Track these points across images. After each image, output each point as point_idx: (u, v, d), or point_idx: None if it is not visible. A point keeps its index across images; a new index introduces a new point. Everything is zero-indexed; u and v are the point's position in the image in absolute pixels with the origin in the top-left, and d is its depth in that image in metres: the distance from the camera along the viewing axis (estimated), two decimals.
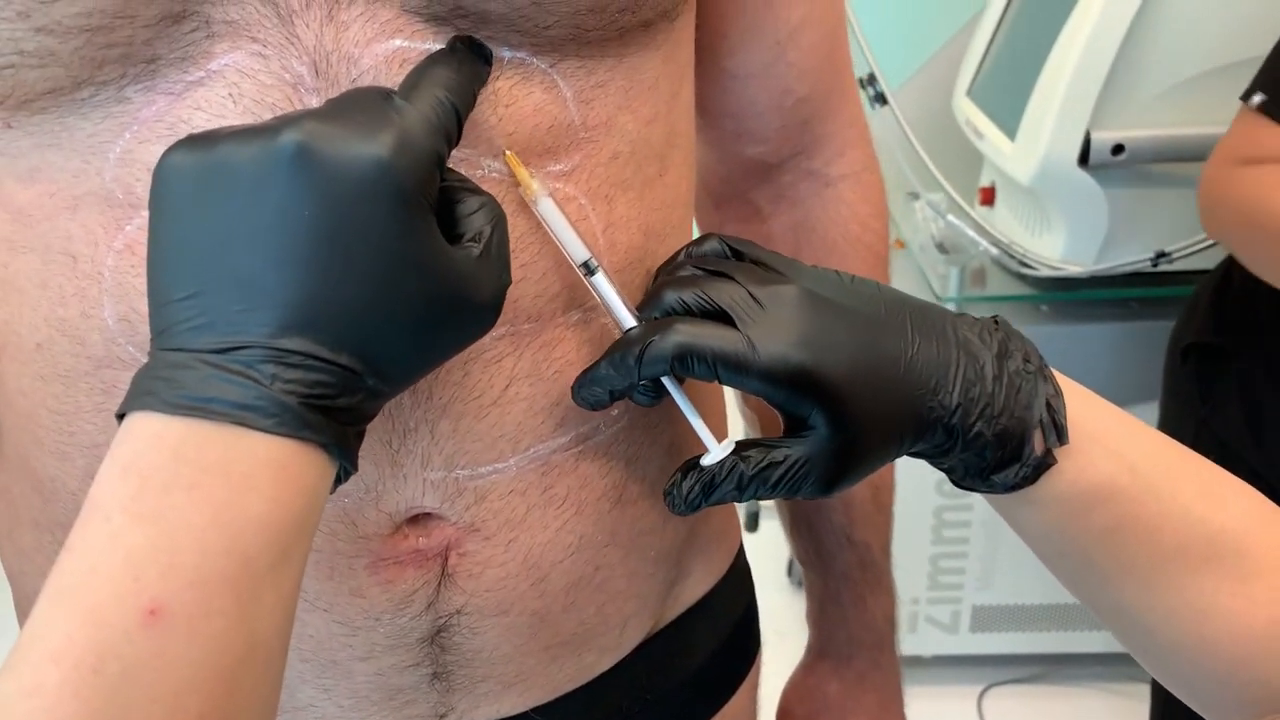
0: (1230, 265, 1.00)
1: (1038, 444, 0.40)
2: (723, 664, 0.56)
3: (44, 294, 0.39)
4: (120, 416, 0.32)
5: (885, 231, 0.58)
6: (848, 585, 0.61)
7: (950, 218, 1.40)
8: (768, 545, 1.46)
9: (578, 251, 0.40)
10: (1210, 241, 1.19)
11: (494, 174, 0.39)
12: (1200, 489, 0.41)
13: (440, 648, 0.43)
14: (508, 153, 0.39)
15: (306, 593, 0.41)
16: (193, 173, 0.32)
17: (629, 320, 0.40)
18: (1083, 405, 0.41)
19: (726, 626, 0.56)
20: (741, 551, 0.58)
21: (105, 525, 0.30)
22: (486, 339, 0.40)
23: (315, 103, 0.36)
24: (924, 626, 1.56)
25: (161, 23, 0.34)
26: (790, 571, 1.85)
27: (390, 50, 0.36)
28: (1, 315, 0.40)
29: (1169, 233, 1.24)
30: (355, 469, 0.34)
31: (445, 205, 0.35)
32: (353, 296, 0.32)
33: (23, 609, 0.48)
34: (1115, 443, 0.41)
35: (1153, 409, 1.13)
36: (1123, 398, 1.48)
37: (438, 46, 0.37)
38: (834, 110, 0.55)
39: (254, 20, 0.35)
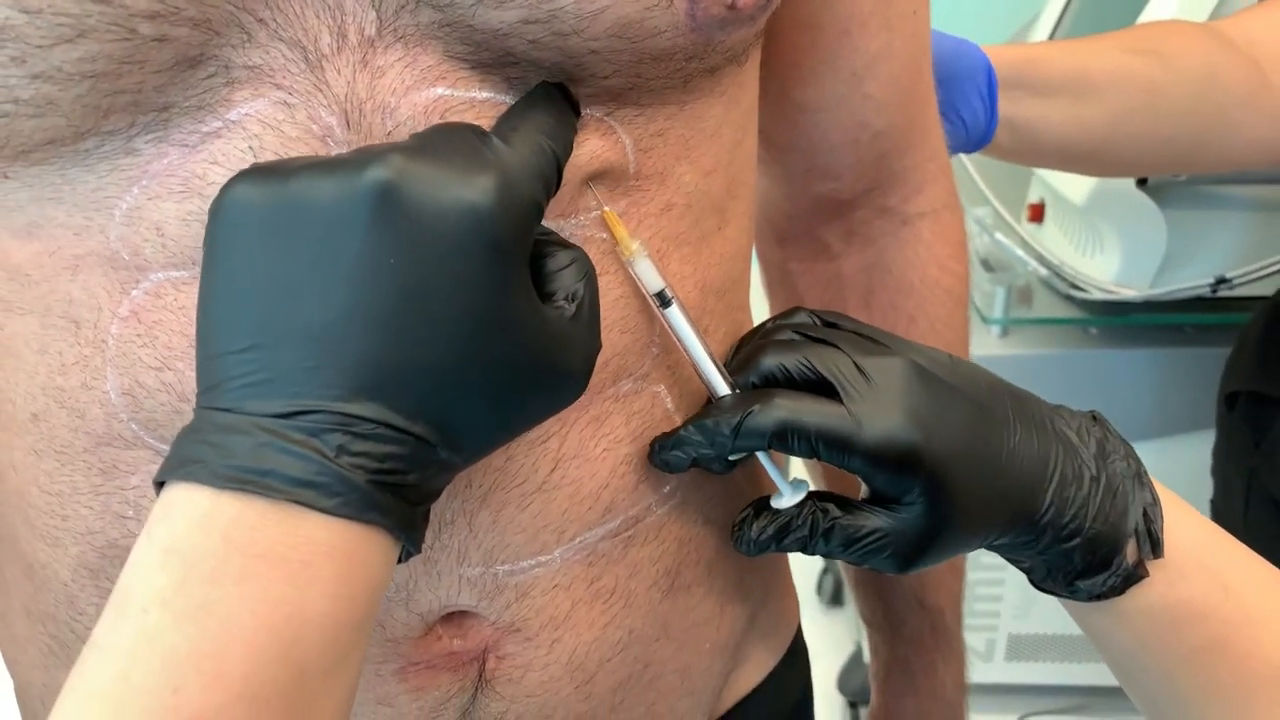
0: (1278, 306, 0.94)
1: (1130, 553, 0.38)
2: None
3: (42, 360, 0.35)
4: (159, 485, 0.28)
5: (965, 273, 0.54)
6: (917, 651, 0.57)
7: (998, 235, 1.34)
8: (795, 561, 1.41)
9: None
10: (1277, 268, 1.13)
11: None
12: None
13: None
14: (605, 209, 0.35)
15: None
16: (260, 209, 0.28)
17: (722, 386, 0.37)
18: (1175, 516, 0.39)
19: (784, 714, 0.51)
20: (800, 631, 0.54)
21: (140, 619, 0.26)
22: None
23: None
24: None
25: (175, 68, 0.30)
26: (820, 589, 1.81)
27: (431, 99, 0.32)
28: None
29: (1231, 257, 1.19)
30: (419, 551, 0.30)
31: (534, 260, 0.31)
32: (435, 358, 0.28)
33: (21, 699, 0.44)
34: (1208, 559, 0.39)
35: (1203, 439, 1.08)
36: (1173, 427, 1.41)
37: (484, 95, 0.33)
38: (913, 144, 0.51)
39: (279, 66, 0.31)
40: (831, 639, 1.68)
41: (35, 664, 0.41)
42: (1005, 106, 0.72)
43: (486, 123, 0.33)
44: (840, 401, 0.36)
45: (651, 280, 0.37)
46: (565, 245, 0.33)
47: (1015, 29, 1.53)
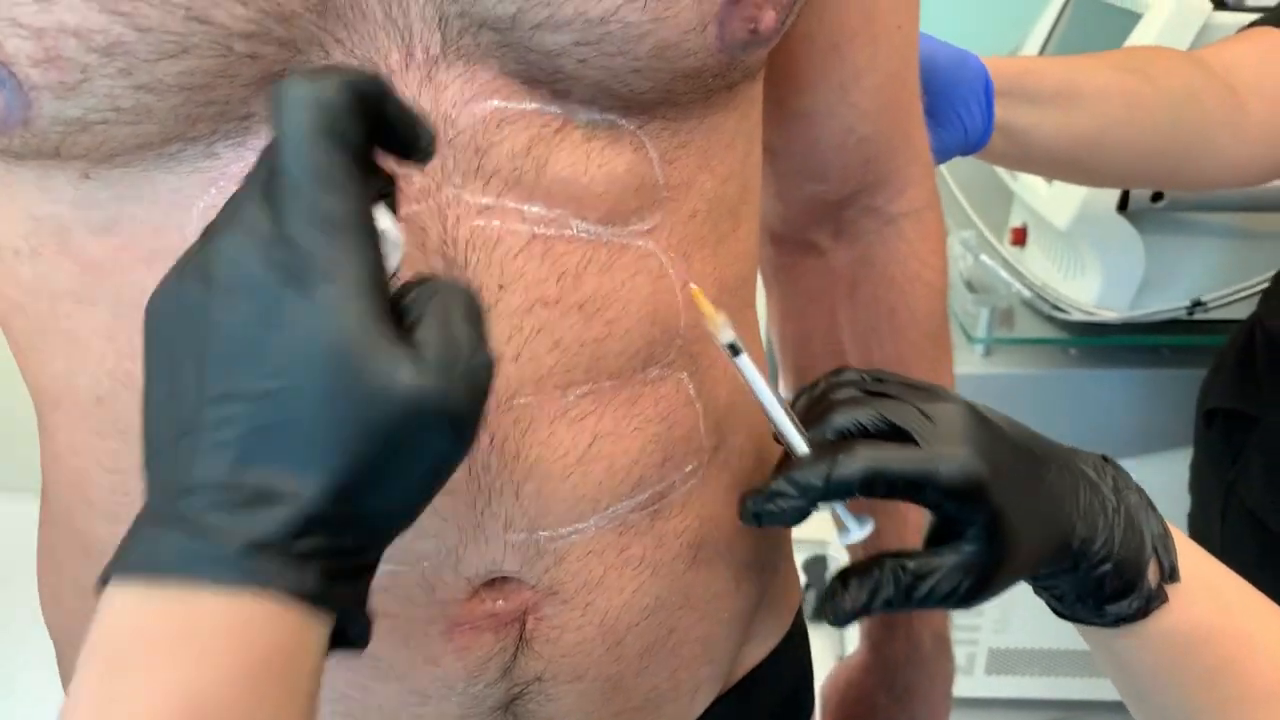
0: (1254, 328, 0.98)
1: (1152, 576, 0.41)
2: None
3: (111, 347, 0.37)
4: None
5: (944, 268, 0.58)
6: None
7: (983, 257, 1.38)
8: None
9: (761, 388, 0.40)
10: (1250, 292, 1.18)
11: (582, 234, 0.38)
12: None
13: (514, 716, 0.42)
14: (693, 287, 0.39)
15: (380, 661, 0.40)
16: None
17: (801, 445, 0.40)
18: (1179, 544, 0.42)
19: (787, 688, 0.55)
20: (800, 610, 0.57)
21: (73, 716, 0.26)
22: (571, 396, 0.39)
23: None
24: None
25: (260, 81, 0.33)
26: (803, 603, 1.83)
27: (487, 111, 0.35)
28: (58, 367, 0.39)
29: (1206, 281, 1.23)
30: (365, 620, 0.29)
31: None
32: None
33: (67, 676, 0.47)
34: (1211, 581, 0.42)
35: (1179, 457, 1.12)
36: (1151, 446, 1.44)
37: (532, 107, 0.36)
38: (897, 149, 0.55)
39: None
40: (815, 651, 1.70)
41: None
42: (1000, 113, 0.76)
43: (536, 130, 0.36)
44: (914, 445, 0.39)
45: (753, 378, 0.40)
46: (420, 282, 0.30)
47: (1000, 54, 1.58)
